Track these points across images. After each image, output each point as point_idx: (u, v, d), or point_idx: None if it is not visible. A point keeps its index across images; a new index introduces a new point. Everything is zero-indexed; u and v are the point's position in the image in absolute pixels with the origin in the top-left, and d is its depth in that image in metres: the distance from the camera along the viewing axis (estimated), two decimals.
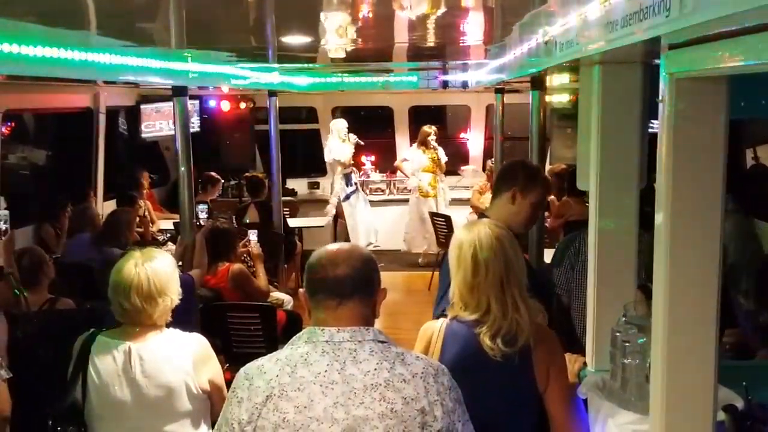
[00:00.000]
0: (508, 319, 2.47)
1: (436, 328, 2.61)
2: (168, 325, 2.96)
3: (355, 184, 10.45)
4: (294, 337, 2.02)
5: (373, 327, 2.00)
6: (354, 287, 1.98)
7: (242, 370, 2.03)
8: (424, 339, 2.62)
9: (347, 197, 10.37)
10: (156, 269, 2.87)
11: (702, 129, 1.92)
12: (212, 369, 2.97)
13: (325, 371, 1.90)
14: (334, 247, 2.07)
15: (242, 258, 6.19)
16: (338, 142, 10.20)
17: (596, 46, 2.31)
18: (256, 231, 6.31)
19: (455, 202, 10.35)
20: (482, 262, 2.50)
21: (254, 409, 1.92)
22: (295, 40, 4.63)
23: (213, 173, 9.11)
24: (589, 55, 2.53)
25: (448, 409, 1.94)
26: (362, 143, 10.39)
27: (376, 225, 10.63)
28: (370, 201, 10.90)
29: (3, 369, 3.06)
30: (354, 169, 10.45)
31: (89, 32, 3.59)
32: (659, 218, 2.00)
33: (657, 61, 2.26)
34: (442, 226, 9.22)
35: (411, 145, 10.77)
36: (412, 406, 1.89)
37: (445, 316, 2.68)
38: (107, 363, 2.84)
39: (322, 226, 9.63)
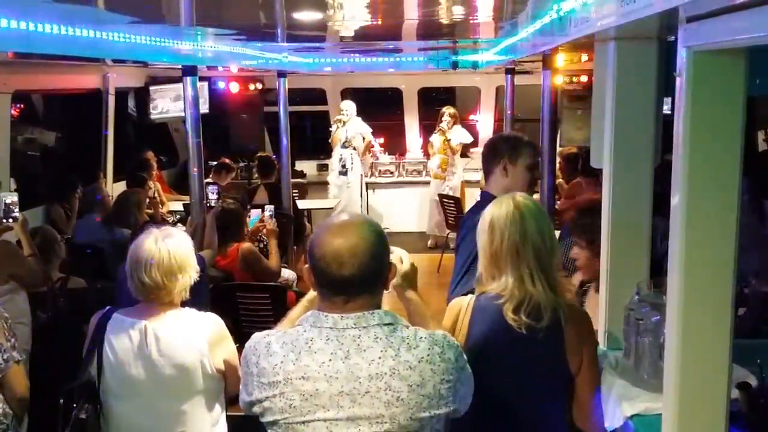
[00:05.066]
0: (523, 291, 2.43)
1: (464, 303, 2.58)
2: (182, 305, 2.96)
3: (343, 166, 10.27)
4: (302, 317, 2.01)
5: (379, 309, 1.95)
6: (362, 285, 1.93)
7: (252, 342, 2.02)
8: (452, 315, 2.59)
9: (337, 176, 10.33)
10: (176, 245, 2.86)
11: (720, 104, 1.89)
12: (227, 349, 2.96)
13: (330, 360, 1.88)
14: (336, 237, 1.92)
15: (258, 236, 6.18)
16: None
17: (612, 20, 2.28)
18: (272, 207, 6.30)
19: (466, 184, 10.30)
20: (497, 230, 2.48)
21: (262, 388, 1.93)
22: (304, 16, 4.59)
23: (229, 161, 9.13)
24: (604, 30, 2.50)
25: (453, 380, 1.92)
26: (363, 129, 10.32)
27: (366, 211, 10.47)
28: (379, 183, 10.86)
29: (16, 350, 3.06)
30: (351, 151, 10.26)
31: (97, 8, 3.55)
32: (675, 194, 1.98)
33: (673, 38, 2.23)
34: (452, 209, 9.18)
35: (420, 127, 10.76)
36: (418, 392, 1.87)
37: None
38: (123, 341, 2.84)
39: (332, 208, 9.62)
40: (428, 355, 1.90)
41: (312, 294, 2.26)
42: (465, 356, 2.01)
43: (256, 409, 1.98)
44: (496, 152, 3.49)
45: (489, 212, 2.55)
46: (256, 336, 2.04)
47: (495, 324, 2.47)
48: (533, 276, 2.45)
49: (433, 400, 1.89)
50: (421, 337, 1.93)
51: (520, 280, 2.45)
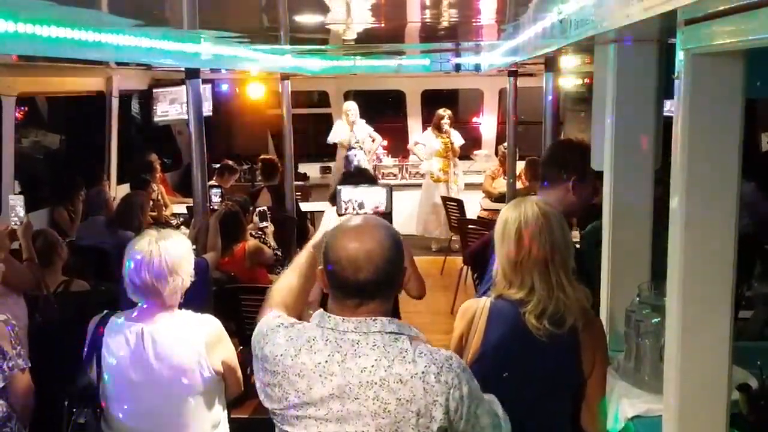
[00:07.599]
0: (553, 299, 2.41)
1: (479, 306, 2.55)
2: (180, 307, 2.97)
3: (355, 168, 10.29)
4: (315, 313, 2.00)
5: (384, 317, 1.92)
6: (377, 290, 1.91)
7: (262, 326, 2.05)
8: (466, 317, 2.57)
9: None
10: (168, 248, 2.87)
11: (718, 105, 1.90)
12: (225, 350, 2.97)
13: (326, 361, 1.88)
14: (353, 241, 1.90)
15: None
16: (341, 124, 10.18)
17: (612, 22, 2.28)
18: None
19: (468, 186, 10.29)
20: (526, 240, 2.44)
21: (265, 373, 1.97)
22: (307, 19, 4.60)
23: (232, 163, 9.14)
24: (604, 33, 2.50)
25: (451, 408, 1.86)
26: (369, 130, 10.32)
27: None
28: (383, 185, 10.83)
29: (22, 358, 3.05)
30: (359, 152, 10.25)
31: (101, 11, 3.57)
32: (674, 196, 1.98)
33: (672, 40, 2.23)
34: (455, 211, 9.18)
35: (424, 130, 10.72)
36: (407, 407, 1.83)
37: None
38: (120, 344, 2.86)
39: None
40: (423, 373, 1.85)
41: (317, 239, 2.26)
42: (473, 384, 1.93)
43: (260, 394, 2.00)
44: (564, 165, 3.11)
45: (512, 219, 2.49)
46: (267, 318, 2.06)
47: (512, 328, 2.46)
48: (563, 284, 2.44)
49: (422, 419, 1.84)
50: (421, 353, 1.88)
51: (550, 289, 2.43)
